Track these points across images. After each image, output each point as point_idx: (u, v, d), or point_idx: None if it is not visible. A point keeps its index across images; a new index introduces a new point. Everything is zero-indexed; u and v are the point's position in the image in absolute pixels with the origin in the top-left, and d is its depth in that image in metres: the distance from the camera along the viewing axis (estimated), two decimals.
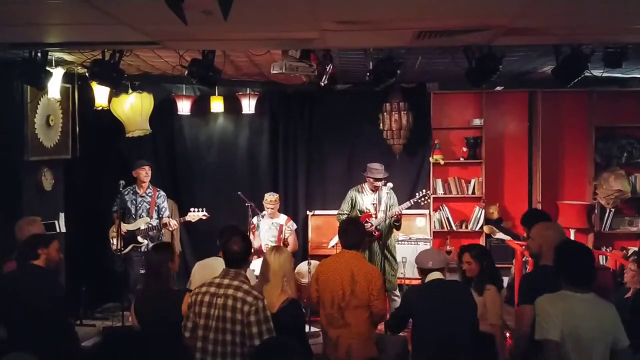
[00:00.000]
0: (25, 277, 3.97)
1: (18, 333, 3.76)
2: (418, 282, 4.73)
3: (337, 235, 7.15)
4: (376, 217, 6.60)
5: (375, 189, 6.71)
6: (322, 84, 5.76)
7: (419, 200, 6.81)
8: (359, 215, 6.68)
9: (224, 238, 4.53)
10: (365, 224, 6.54)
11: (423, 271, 4.22)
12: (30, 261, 3.98)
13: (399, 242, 7.19)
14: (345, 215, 6.76)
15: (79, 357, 4.24)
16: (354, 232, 4.58)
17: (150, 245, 6.90)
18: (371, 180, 6.68)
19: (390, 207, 6.62)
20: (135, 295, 4.14)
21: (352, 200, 6.79)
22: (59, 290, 4.15)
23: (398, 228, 6.85)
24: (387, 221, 6.59)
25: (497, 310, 4.46)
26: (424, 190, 6.97)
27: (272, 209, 7.16)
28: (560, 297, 3.27)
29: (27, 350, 2.98)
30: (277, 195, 7.34)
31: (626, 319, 3.45)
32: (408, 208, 6.82)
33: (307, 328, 6.49)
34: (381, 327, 5.58)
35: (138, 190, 6.99)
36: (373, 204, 6.70)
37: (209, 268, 4.52)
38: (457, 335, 3.88)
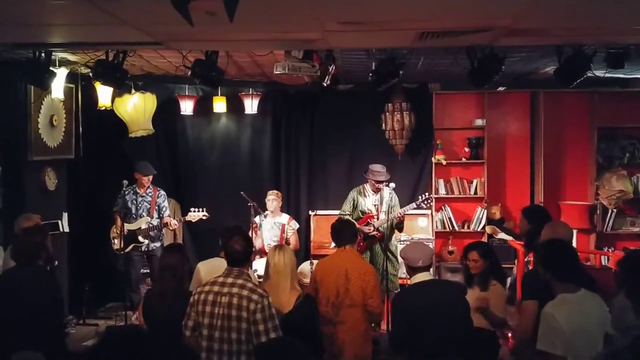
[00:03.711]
0: (31, 276, 3.96)
1: (20, 333, 3.76)
2: None
3: None
4: (378, 218, 6.61)
5: (376, 190, 6.71)
6: (325, 84, 5.78)
7: (422, 204, 6.81)
8: (361, 216, 6.68)
9: (227, 239, 4.59)
10: (367, 225, 6.55)
11: (412, 269, 4.04)
12: (33, 261, 3.98)
13: (401, 242, 7.20)
14: (347, 216, 6.76)
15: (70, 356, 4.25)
16: (344, 229, 4.77)
17: (151, 244, 6.92)
18: (373, 182, 6.69)
19: (392, 208, 6.63)
20: (146, 293, 4.15)
21: (353, 201, 6.79)
22: (59, 290, 4.16)
23: (400, 230, 6.85)
24: (389, 222, 6.59)
25: (502, 304, 4.50)
26: (426, 194, 6.96)
27: (275, 200, 7.13)
28: (563, 303, 3.29)
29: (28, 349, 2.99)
30: (278, 191, 7.36)
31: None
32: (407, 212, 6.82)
33: None
34: (383, 326, 5.61)
35: (138, 190, 7.00)
36: (375, 205, 6.70)
37: (215, 269, 4.53)
38: (453, 335, 3.84)
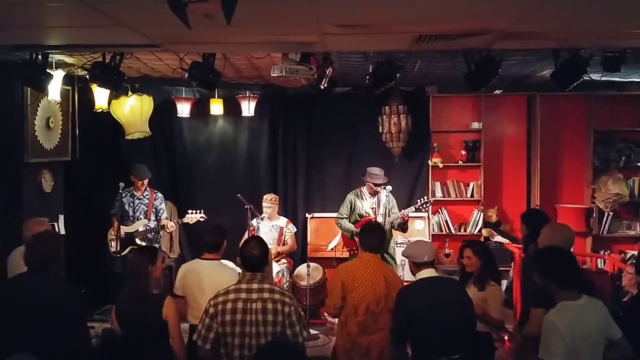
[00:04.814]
0: (47, 282, 3.94)
1: (37, 338, 3.74)
2: None
3: (336, 238, 7.25)
4: (375, 221, 6.60)
5: (374, 193, 6.71)
6: (322, 87, 5.78)
7: (421, 207, 6.80)
8: (358, 219, 6.67)
9: (212, 238, 4.59)
10: None
11: (417, 265, 4.09)
12: (47, 267, 3.97)
13: (398, 245, 7.20)
14: (345, 219, 6.75)
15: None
16: (377, 235, 4.55)
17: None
18: (371, 184, 6.68)
19: (389, 210, 6.62)
20: (116, 296, 4.13)
21: (351, 204, 6.78)
22: (78, 292, 4.14)
23: (405, 230, 6.84)
24: (387, 225, 6.58)
25: (499, 306, 4.47)
26: (425, 197, 6.96)
27: (270, 207, 7.15)
28: (564, 310, 3.27)
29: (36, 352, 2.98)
30: (276, 195, 7.36)
31: (621, 321, 3.50)
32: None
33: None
34: None
35: (135, 193, 7.00)
36: (372, 208, 6.69)
37: (194, 272, 4.56)
38: (457, 332, 3.88)
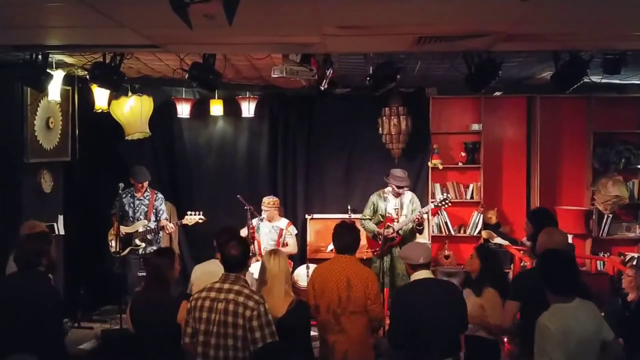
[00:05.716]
0: (30, 281, 3.96)
1: (18, 336, 3.75)
2: None
3: None
4: (398, 222, 6.64)
5: (397, 195, 6.75)
6: (322, 88, 5.79)
7: (440, 204, 6.83)
8: (381, 220, 6.70)
9: (221, 239, 4.56)
10: (387, 229, 6.57)
11: (413, 267, 4.10)
12: (33, 267, 3.98)
13: None
14: (368, 220, 6.80)
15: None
16: (346, 236, 4.53)
17: (149, 248, 6.90)
18: (394, 186, 6.72)
19: (413, 211, 6.67)
20: (132, 297, 4.13)
21: (374, 205, 6.83)
22: (58, 295, 4.15)
23: (421, 232, 6.88)
24: (410, 225, 6.61)
25: (496, 311, 4.42)
26: (444, 194, 6.98)
27: (267, 211, 7.15)
28: (557, 313, 3.28)
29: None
30: (276, 199, 7.35)
31: (625, 319, 3.51)
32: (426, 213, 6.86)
33: None
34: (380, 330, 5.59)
35: (136, 194, 7.00)
36: (395, 209, 6.74)
37: (210, 273, 4.54)
38: (451, 334, 3.90)
